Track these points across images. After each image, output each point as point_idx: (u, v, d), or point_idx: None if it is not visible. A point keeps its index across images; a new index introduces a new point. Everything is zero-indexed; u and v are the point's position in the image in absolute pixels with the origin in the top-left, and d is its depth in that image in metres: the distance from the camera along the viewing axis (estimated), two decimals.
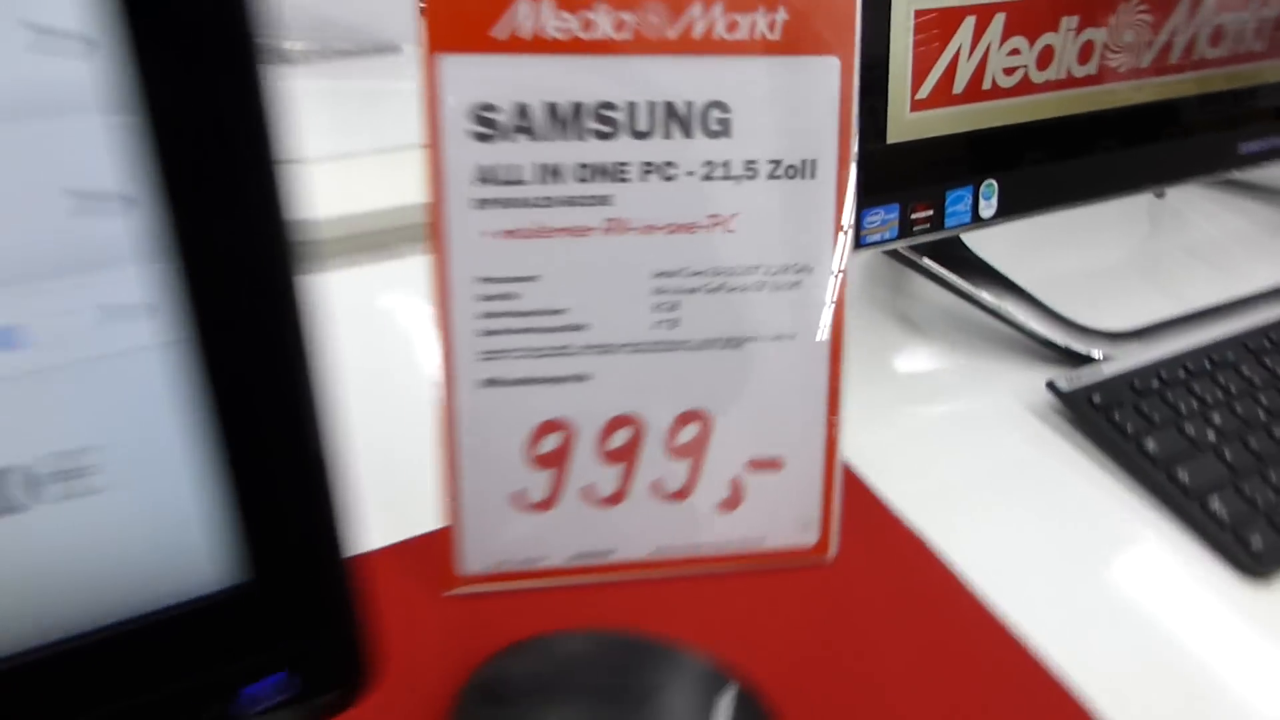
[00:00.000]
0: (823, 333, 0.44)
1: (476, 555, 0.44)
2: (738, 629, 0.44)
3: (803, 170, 0.42)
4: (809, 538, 0.47)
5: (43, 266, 0.22)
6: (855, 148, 0.43)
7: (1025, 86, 0.55)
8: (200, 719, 0.29)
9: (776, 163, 0.42)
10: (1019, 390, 0.61)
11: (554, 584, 0.45)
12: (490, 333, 0.42)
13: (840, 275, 0.44)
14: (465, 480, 0.43)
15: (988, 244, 0.65)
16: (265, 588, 0.28)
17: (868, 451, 0.55)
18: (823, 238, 0.43)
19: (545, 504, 0.44)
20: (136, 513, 0.25)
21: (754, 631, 0.44)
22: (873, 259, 0.71)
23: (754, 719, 0.37)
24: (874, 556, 0.48)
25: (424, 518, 0.45)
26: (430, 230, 0.40)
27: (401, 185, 0.50)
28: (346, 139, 0.77)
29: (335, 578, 0.29)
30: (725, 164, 0.42)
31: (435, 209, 0.40)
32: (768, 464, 0.46)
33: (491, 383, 0.42)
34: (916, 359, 0.63)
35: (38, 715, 0.26)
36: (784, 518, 0.47)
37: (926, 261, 0.63)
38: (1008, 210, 0.57)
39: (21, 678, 0.25)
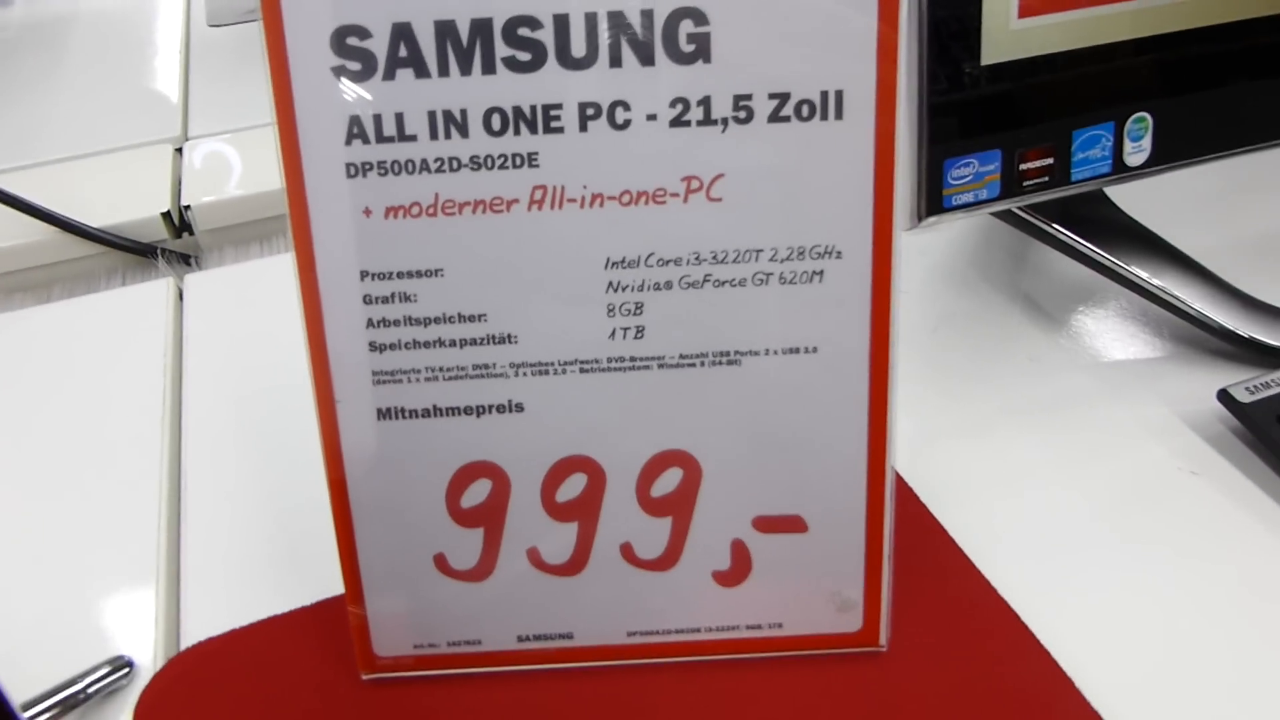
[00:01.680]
0: (859, 345, 0.31)
1: (392, 633, 0.34)
2: None
3: (823, 108, 0.29)
4: (849, 623, 0.34)
5: None
6: (908, 68, 0.30)
7: None
8: None
9: (781, 97, 0.29)
10: (1179, 398, 0.45)
11: (499, 670, 0.34)
12: (381, 348, 0.31)
13: (887, 261, 0.30)
14: (367, 540, 0.32)
15: (1138, 200, 0.48)
16: None
17: (958, 489, 0.41)
18: (857, 208, 0.30)
19: (477, 571, 0.33)
20: None
21: None
22: (985, 222, 0.56)
23: None
24: (949, 647, 0.35)
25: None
26: (289, 208, 0.29)
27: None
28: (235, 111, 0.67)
29: None
30: (704, 102, 0.29)
31: (292, 178, 0.29)
32: (784, 524, 0.33)
33: (390, 414, 0.31)
34: (1040, 356, 0.48)
35: None
36: (811, 595, 0.34)
37: (1056, 228, 0.48)
38: (1168, 155, 0.41)
39: None
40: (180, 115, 0.68)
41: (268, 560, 0.39)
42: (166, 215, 0.57)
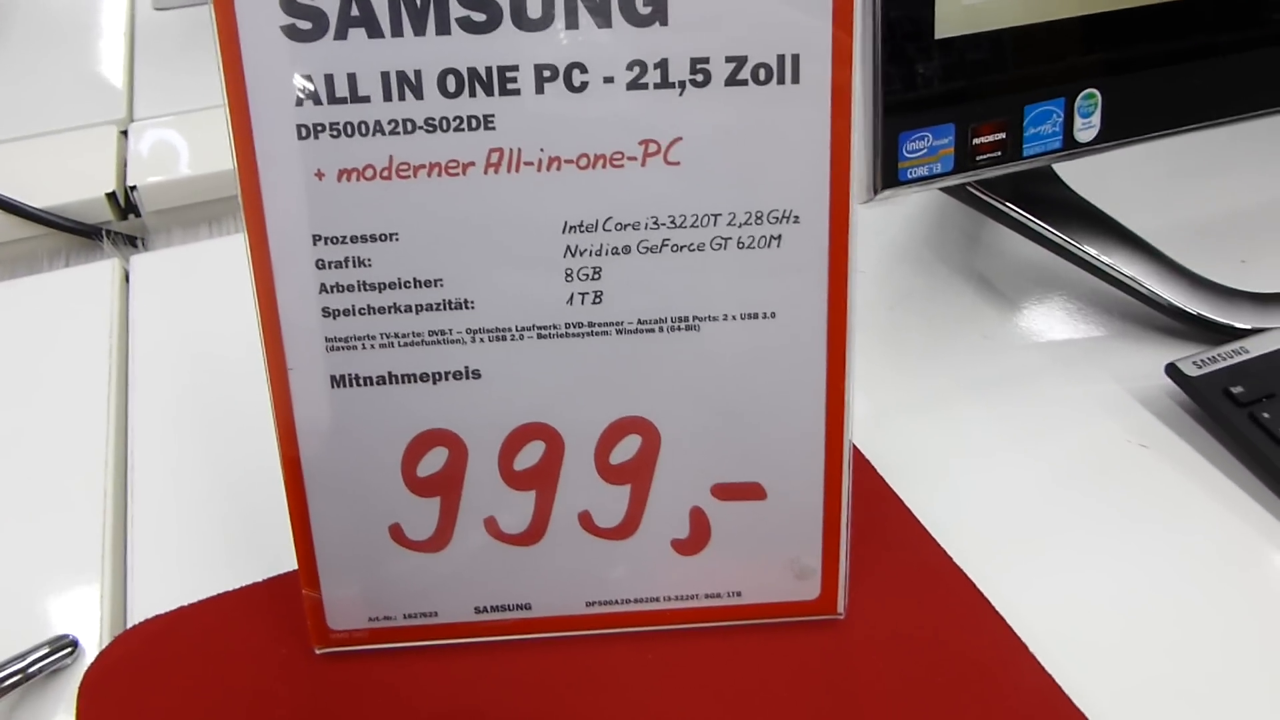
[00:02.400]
0: (817, 310, 0.31)
1: (346, 606, 0.33)
2: (697, 713, 0.32)
3: (779, 72, 0.29)
4: (807, 591, 0.34)
5: None
6: (864, 37, 0.30)
7: None
8: None
9: (738, 61, 0.29)
10: (1129, 374, 0.46)
11: (456, 642, 0.34)
12: (335, 313, 0.30)
13: (844, 226, 0.30)
14: (320, 510, 0.32)
15: (1090, 182, 0.49)
16: None
17: (914, 463, 0.41)
18: (814, 172, 0.30)
19: (434, 541, 0.32)
20: None
21: (719, 717, 0.32)
22: (939, 201, 0.56)
23: None
24: (906, 615, 0.35)
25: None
26: (239, 171, 0.29)
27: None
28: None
29: None
30: (661, 65, 0.29)
31: (242, 140, 0.28)
32: (743, 491, 0.33)
33: (343, 381, 0.31)
34: (993, 333, 0.49)
35: None
36: (770, 563, 0.34)
37: (1009, 206, 0.48)
38: (1117, 132, 0.42)
39: None
40: (125, 98, 0.66)
41: (217, 538, 0.38)
42: (111, 196, 0.56)
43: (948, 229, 0.56)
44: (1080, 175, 0.50)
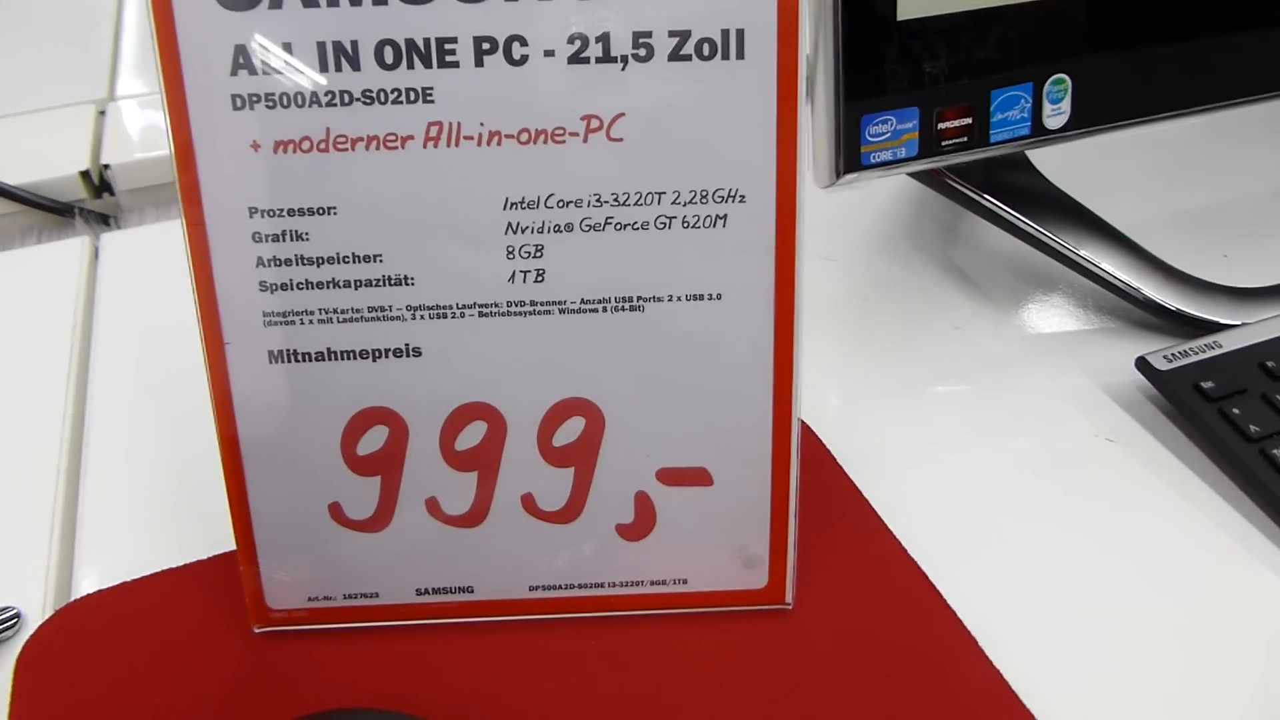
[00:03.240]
0: (763, 292, 0.30)
1: (284, 584, 0.33)
2: (639, 702, 0.32)
3: (724, 47, 0.28)
4: (754, 579, 0.34)
5: None
6: (822, 13, 0.29)
7: None
8: None
9: (681, 35, 0.28)
10: (1100, 367, 0.45)
11: (396, 624, 0.33)
12: (272, 287, 0.30)
13: (792, 206, 0.30)
14: (258, 487, 0.31)
15: (1067, 174, 0.48)
16: None
17: (877, 452, 0.40)
18: (759, 150, 0.29)
19: (374, 521, 0.32)
20: None
21: (661, 706, 0.31)
22: (920, 190, 0.56)
23: None
24: (856, 606, 0.34)
25: None
26: (173, 142, 0.28)
27: None
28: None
29: None
30: (603, 38, 0.28)
31: (175, 111, 0.28)
32: (688, 476, 0.32)
33: (281, 356, 0.30)
34: (965, 324, 0.48)
35: None
36: (716, 551, 0.33)
37: (985, 197, 0.48)
38: (1087, 119, 0.41)
39: None
40: (107, 77, 0.66)
41: (168, 515, 0.38)
42: (85, 175, 0.56)
43: (925, 220, 0.55)
44: (1059, 166, 0.49)
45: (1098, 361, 0.46)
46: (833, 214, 0.55)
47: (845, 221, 0.55)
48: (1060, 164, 0.49)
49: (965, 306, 0.49)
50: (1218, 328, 0.45)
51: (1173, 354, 0.43)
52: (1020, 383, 0.45)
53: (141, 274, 0.50)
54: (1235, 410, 0.40)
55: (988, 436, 0.42)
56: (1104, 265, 0.47)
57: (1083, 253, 0.47)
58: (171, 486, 0.39)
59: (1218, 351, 0.43)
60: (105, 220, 0.57)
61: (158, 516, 0.38)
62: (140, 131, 0.59)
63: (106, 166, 0.56)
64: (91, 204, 0.56)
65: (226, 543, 0.35)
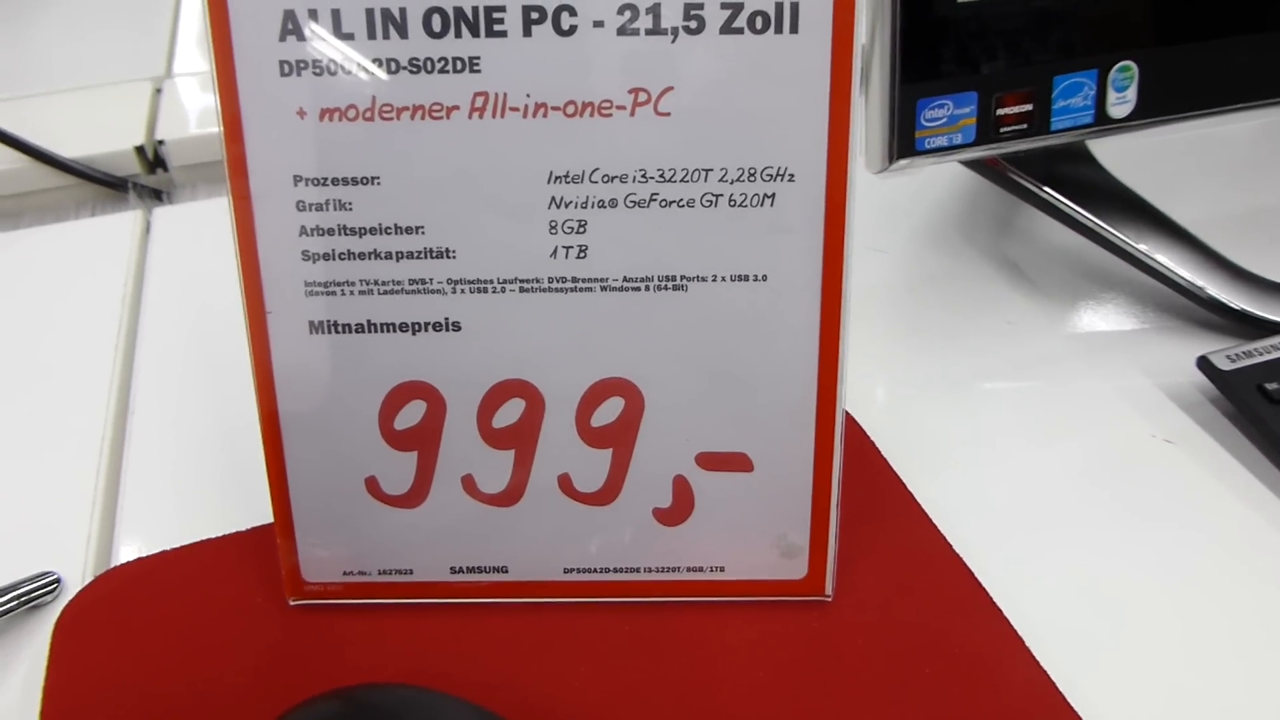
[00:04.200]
0: (810, 274, 0.30)
1: (320, 558, 0.33)
2: (671, 690, 0.31)
3: (777, 20, 0.28)
4: (793, 569, 0.33)
5: None
6: None
7: None
8: None
9: (735, 6, 0.28)
10: (1159, 367, 0.44)
11: (430, 602, 0.33)
12: (314, 256, 0.29)
13: (842, 187, 0.29)
14: (296, 458, 0.31)
15: (1128, 166, 0.47)
16: None
17: (926, 447, 0.39)
18: (811, 128, 0.29)
19: (410, 497, 0.32)
20: None
21: (693, 695, 0.31)
22: (974, 183, 0.54)
23: None
24: (897, 601, 0.33)
25: None
26: (221, 108, 0.28)
27: None
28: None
29: None
30: (653, 9, 0.28)
31: (224, 76, 0.28)
32: (728, 461, 0.32)
33: (321, 327, 0.30)
34: (1019, 319, 0.47)
35: None
36: (755, 539, 0.33)
37: (1045, 189, 0.46)
38: (1154, 108, 0.40)
39: None
40: (165, 54, 0.67)
41: (209, 486, 0.38)
42: (140, 150, 0.56)
43: (978, 213, 0.54)
44: (1120, 162, 0.47)
45: (1156, 360, 0.44)
46: (883, 205, 0.54)
47: (896, 213, 0.54)
48: (1122, 159, 0.47)
49: (1019, 302, 0.48)
50: (1279, 328, 0.44)
51: (1236, 354, 0.41)
52: (1075, 381, 0.44)
53: (192, 249, 0.51)
54: None
55: (1040, 436, 0.41)
56: (1165, 261, 0.45)
57: (1143, 248, 0.45)
58: (213, 458, 0.39)
59: None
60: (158, 195, 0.57)
61: (199, 487, 0.38)
62: (195, 108, 0.60)
63: (161, 142, 0.57)
64: (145, 179, 0.57)
65: (266, 515, 0.36)
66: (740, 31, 0.28)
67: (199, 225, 0.52)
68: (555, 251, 0.29)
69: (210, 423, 0.41)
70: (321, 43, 0.28)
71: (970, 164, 0.47)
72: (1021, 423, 0.42)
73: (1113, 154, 0.48)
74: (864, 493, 0.36)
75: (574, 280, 0.30)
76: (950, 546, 0.35)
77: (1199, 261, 0.46)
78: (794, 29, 0.28)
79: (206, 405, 0.42)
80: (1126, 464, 0.40)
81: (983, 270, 0.50)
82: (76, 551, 0.36)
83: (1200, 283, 0.45)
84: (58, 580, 0.35)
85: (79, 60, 0.66)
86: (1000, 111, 0.38)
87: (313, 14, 0.27)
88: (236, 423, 0.41)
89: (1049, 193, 0.46)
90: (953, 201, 0.55)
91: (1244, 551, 0.36)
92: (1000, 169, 0.46)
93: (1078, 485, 0.39)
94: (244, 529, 0.36)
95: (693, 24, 0.28)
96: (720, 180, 0.29)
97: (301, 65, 0.28)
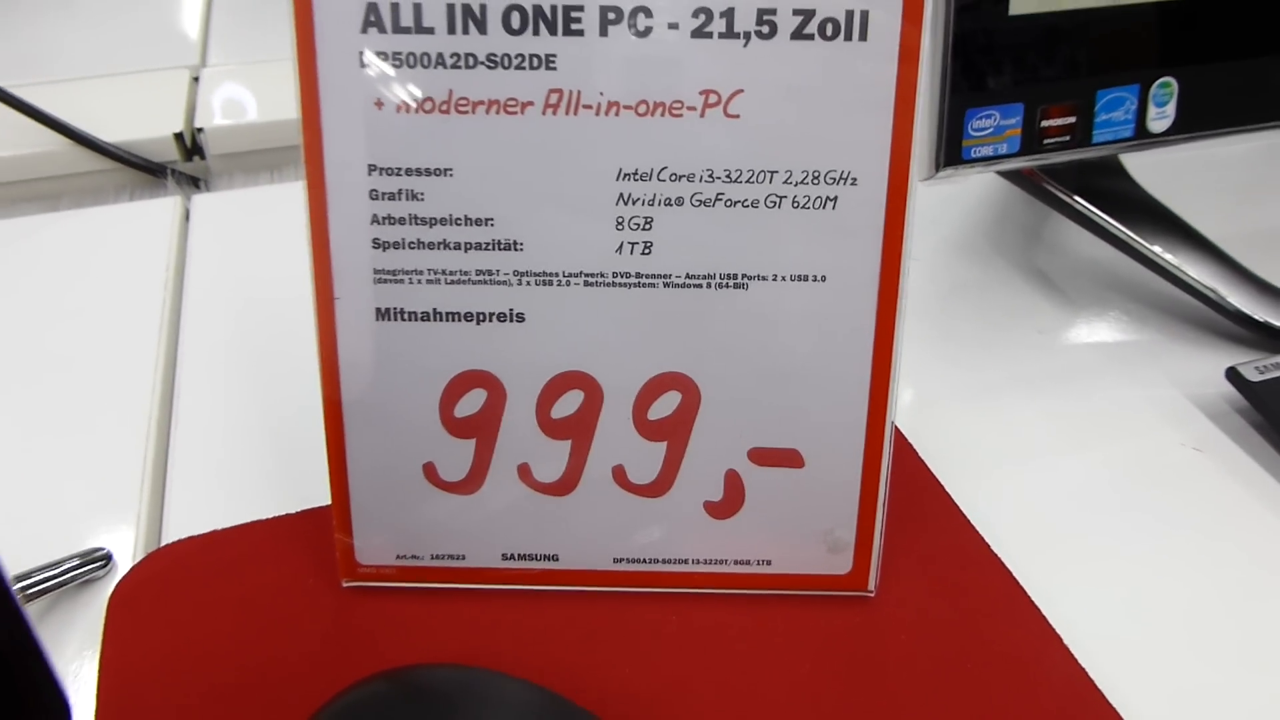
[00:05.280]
0: (868, 276, 0.30)
1: (376, 541, 0.33)
2: (716, 680, 0.32)
3: (847, 28, 0.28)
4: (839, 564, 0.34)
5: None
6: (934, 6, 0.29)
7: None
8: None
9: (806, 14, 0.28)
10: (1188, 378, 0.44)
11: (482, 587, 0.34)
12: (385, 245, 0.30)
13: (903, 192, 0.30)
14: (357, 442, 0.32)
15: (1160, 182, 0.48)
16: None
17: (959, 454, 0.40)
18: (875, 134, 0.29)
19: (466, 484, 0.32)
20: None
21: (738, 686, 0.31)
22: (1005, 194, 0.55)
23: None
24: (936, 597, 0.34)
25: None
26: (300, 96, 0.29)
27: None
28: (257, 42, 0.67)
29: None
30: (727, 14, 0.28)
31: (305, 65, 0.29)
32: (780, 457, 0.32)
33: (388, 314, 0.31)
34: (1049, 329, 0.48)
35: None
36: (803, 534, 0.33)
37: (1076, 199, 0.47)
38: (1192, 124, 0.41)
39: None
40: (199, 46, 0.67)
41: (255, 470, 0.39)
42: (179, 137, 0.57)
43: (1008, 223, 0.55)
44: (1150, 177, 0.48)
45: (1184, 371, 0.45)
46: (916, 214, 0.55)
47: (927, 222, 0.55)
48: (1154, 176, 0.48)
49: (1049, 312, 0.49)
50: None
51: (1265, 366, 0.42)
52: (1104, 390, 0.44)
53: (232, 234, 0.51)
54: None
55: (1071, 444, 0.42)
56: (1194, 274, 0.46)
57: (1173, 260, 0.46)
58: (259, 441, 0.40)
59: None
60: (194, 182, 0.58)
61: (246, 470, 0.39)
62: (232, 98, 0.60)
63: (200, 130, 0.57)
64: (183, 166, 0.58)
65: (312, 499, 0.36)
66: (811, 38, 0.28)
67: (238, 212, 0.53)
68: (621, 247, 0.30)
69: (255, 405, 0.42)
70: (402, 36, 0.28)
71: (1005, 174, 0.48)
72: (1053, 431, 0.42)
73: (1143, 169, 0.49)
74: (905, 494, 0.37)
75: (638, 276, 0.30)
76: (989, 547, 0.36)
77: (1225, 275, 0.47)
78: (863, 37, 0.28)
79: (252, 388, 0.42)
80: (1156, 472, 0.40)
81: (1012, 280, 0.51)
82: (126, 530, 0.37)
83: (1228, 295, 0.46)
84: (108, 556, 0.35)
85: (116, 47, 0.67)
86: (1045, 123, 0.38)
87: (395, 8, 0.28)
88: (281, 405, 0.41)
89: (1082, 203, 0.47)
90: (982, 211, 0.55)
91: (1270, 559, 0.37)
92: (1034, 178, 0.47)
93: (1109, 493, 0.39)
94: (294, 511, 0.36)
95: (765, 29, 0.28)
96: (784, 182, 0.30)
97: (381, 56, 0.28)
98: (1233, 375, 0.42)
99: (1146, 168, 0.49)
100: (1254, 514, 0.38)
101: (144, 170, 0.56)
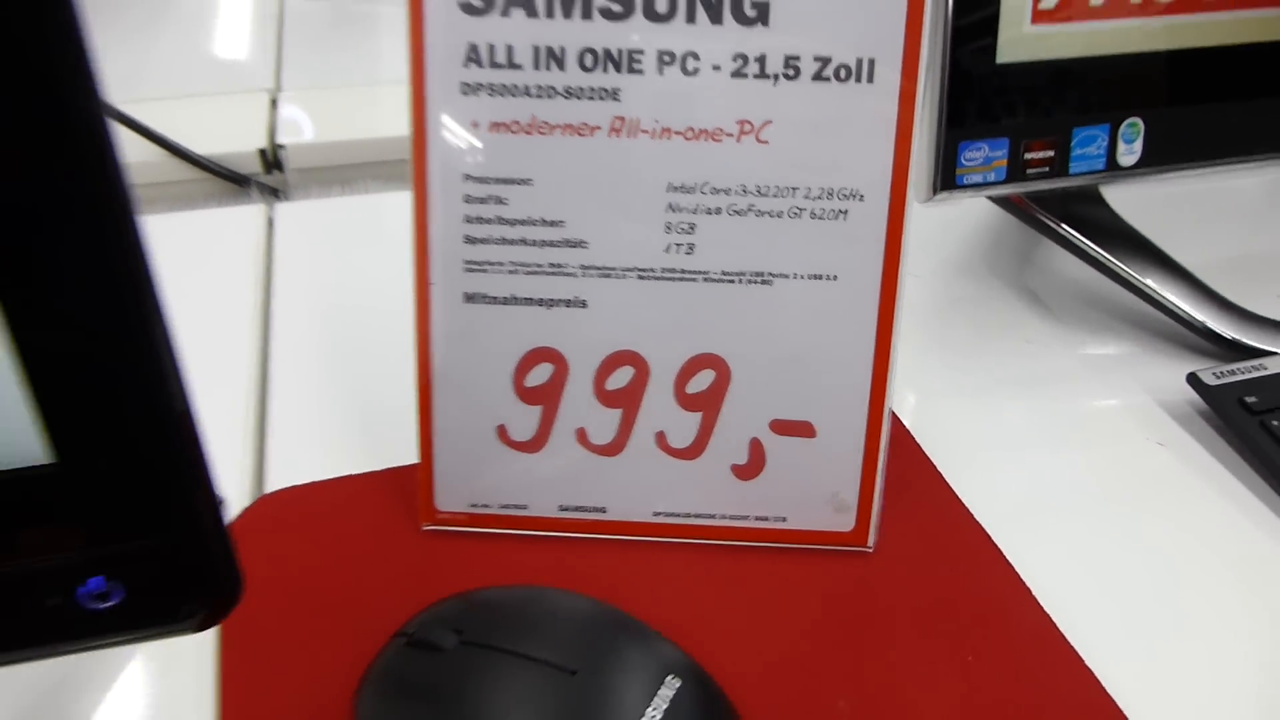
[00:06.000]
0: (872, 277, 0.37)
1: (453, 490, 0.39)
2: (735, 619, 0.38)
3: (857, 72, 0.35)
4: (843, 522, 0.40)
5: None
6: (928, 47, 0.35)
7: (1193, 1, 0.45)
8: (40, 608, 0.26)
9: (824, 61, 0.35)
10: (1156, 384, 0.50)
11: (540, 535, 0.40)
12: (474, 240, 0.37)
13: (902, 209, 0.36)
14: (442, 406, 0.38)
15: (1137, 212, 0.54)
16: (70, 474, 0.24)
17: (951, 442, 0.46)
18: (879, 159, 0.36)
19: (532, 443, 0.39)
20: None
21: (755, 625, 0.37)
22: (999, 221, 0.62)
23: (701, 711, 0.30)
24: (925, 553, 0.40)
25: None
26: (411, 117, 0.35)
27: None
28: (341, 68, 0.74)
29: (165, 475, 0.25)
30: (760, 59, 0.35)
31: (417, 92, 0.35)
32: (796, 428, 0.38)
33: (474, 298, 0.37)
34: (1035, 341, 0.54)
35: None
36: (813, 495, 0.39)
37: (1063, 227, 0.53)
38: (1157, 159, 0.47)
39: None
40: (274, 71, 0.75)
41: (340, 434, 0.45)
42: (262, 152, 0.64)
43: (1002, 247, 0.61)
44: (1128, 209, 0.54)
45: (1154, 378, 0.51)
46: (918, 236, 0.61)
47: (928, 244, 0.61)
48: (1132, 208, 0.55)
49: (1036, 324, 0.55)
50: (1265, 354, 0.50)
51: (1221, 372, 0.48)
52: (1082, 390, 0.50)
53: (313, 237, 0.58)
54: (1276, 423, 0.45)
55: (1051, 438, 0.48)
56: (1165, 294, 0.52)
57: (1147, 281, 0.52)
58: (343, 410, 0.46)
59: (1263, 373, 0.48)
60: (274, 193, 0.64)
61: (330, 435, 0.45)
62: (308, 119, 0.67)
63: (281, 146, 0.64)
64: (263, 178, 0.64)
65: (390, 461, 0.42)
66: (828, 80, 0.35)
67: (317, 218, 0.60)
68: (669, 247, 0.36)
69: (340, 381, 0.48)
70: (496, 70, 0.35)
71: (998, 201, 0.54)
72: (1035, 425, 0.48)
73: (1122, 201, 0.55)
74: (902, 472, 0.43)
75: (682, 271, 0.37)
76: (973, 517, 0.42)
77: (1194, 295, 0.53)
78: (870, 79, 0.35)
79: (335, 365, 0.49)
80: (1123, 461, 0.46)
81: (1004, 296, 0.57)
82: (232, 484, 0.43)
83: (1195, 313, 0.52)
84: (223, 500, 0.41)
85: (200, 70, 0.74)
86: (1027, 155, 0.45)
87: (491, 48, 0.35)
88: (365, 382, 0.48)
89: (1065, 229, 0.53)
90: (979, 236, 0.62)
91: (1223, 544, 0.42)
92: (1024, 207, 0.53)
93: (1081, 481, 0.45)
94: (375, 470, 0.43)
95: (790, 72, 0.35)
96: (804, 197, 0.36)
97: (479, 86, 0.35)
98: (1193, 380, 0.48)
99: (1125, 201, 0.55)
100: (1209, 501, 0.44)
101: (230, 180, 0.63)
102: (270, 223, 0.60)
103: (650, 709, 0.29)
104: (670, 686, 0.30)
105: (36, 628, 0.26)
